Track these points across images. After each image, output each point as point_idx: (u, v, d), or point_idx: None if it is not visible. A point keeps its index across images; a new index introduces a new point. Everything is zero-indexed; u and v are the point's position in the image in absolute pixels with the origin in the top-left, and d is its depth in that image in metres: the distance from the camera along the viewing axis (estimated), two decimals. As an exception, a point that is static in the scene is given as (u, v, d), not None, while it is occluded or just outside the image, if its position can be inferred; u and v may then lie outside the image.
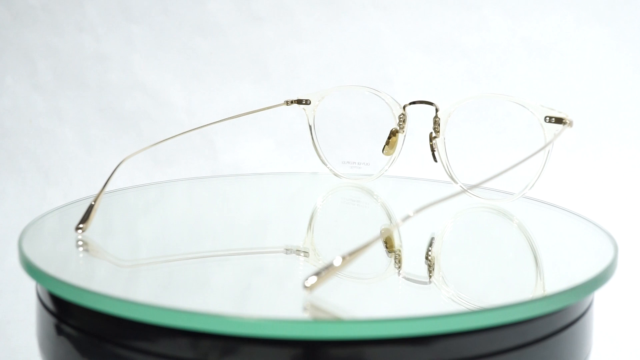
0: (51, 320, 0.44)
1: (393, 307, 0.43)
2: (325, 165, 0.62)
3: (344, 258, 0.41)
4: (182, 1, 1.01)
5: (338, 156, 0.63)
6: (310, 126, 0.62)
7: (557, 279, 0.46)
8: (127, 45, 1.02)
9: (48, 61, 1.04)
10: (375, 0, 0.96)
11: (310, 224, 0.57)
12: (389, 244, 0.51)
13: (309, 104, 0.62)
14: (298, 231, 0.55)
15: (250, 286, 0.45)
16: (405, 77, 0.96)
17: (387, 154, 0.60)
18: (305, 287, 0.40)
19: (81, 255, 0.48)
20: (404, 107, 0.59)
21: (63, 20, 1.04)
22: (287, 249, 0.50)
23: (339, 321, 0.38)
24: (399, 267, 0.47)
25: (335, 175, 0.62)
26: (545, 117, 0.53)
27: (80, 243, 0.50)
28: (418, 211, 0.43)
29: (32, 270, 0.43)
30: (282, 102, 0.62)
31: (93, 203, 0.51)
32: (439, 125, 0.57)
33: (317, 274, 0.40)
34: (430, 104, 0.58)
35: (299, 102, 0.61)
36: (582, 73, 0.91)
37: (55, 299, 0.43)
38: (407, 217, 0.43)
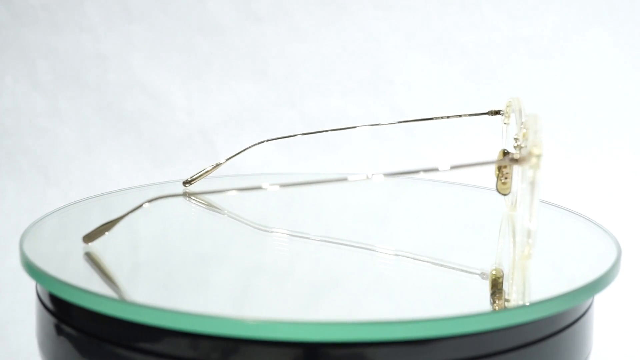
0: (51, 320, 0.44)
1: (394, 309, 0.43)
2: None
3: (109, 221, 0.47)
4: (182, 1, 1.01)
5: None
6: (502, 136, 0.57)
7: (558, 281, 0.46)
8: (127, 45, 1.02)
9: (48, 61, 1.04)
10: (375, 0, 0.96)
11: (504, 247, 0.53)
12: (494, 285, 0.47)
13: (502, 114, 0.58)
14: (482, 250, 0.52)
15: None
16: (405, 77, 0.96)
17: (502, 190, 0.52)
18: (83, 239, 0.46)
19: (83, 256, 0.48)
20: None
21: (63, 20, 1.04)
22: (483, 274, 0.47)
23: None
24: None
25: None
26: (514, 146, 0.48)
27: (187, 194, 0.59)
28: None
29: (32, 270, 0.43)
30: (487, 111, 0.57)
31: (210, 168, 0.58)
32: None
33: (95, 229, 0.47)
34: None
35: (497, 112, 0.58)
36: (582, 73, 0.91)
37: (55, 299, 0.43)
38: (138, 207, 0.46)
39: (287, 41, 0.99)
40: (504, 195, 0.52)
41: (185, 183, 0.60)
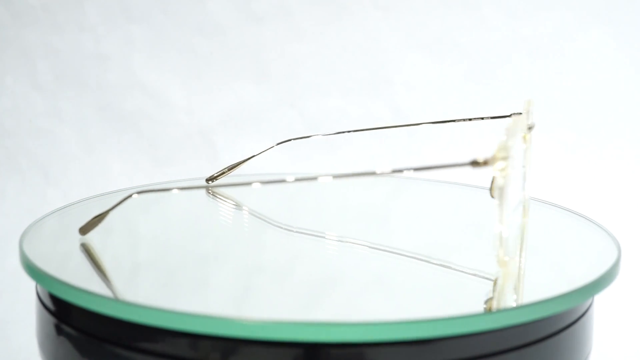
0: (51, 320, 0.44)
1: (394, 309, 0.43)
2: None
3: (102, 213, 0.49)
4: (182, 1, 1.01)
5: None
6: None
7: (558, 281, 0.46)
8: (127, 45, 1.02)
9: (48, 61, 1.04)
10: (375, 0, 0.96)
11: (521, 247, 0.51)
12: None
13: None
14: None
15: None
16: (405, 77, 0.96)
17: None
18: (79, 230, 0.48)
19: (81, 257, 0.48)
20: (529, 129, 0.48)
21: (63, 20, 1.04)
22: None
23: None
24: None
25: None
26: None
27: (210, 191, 0.60)
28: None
29: (32, 271, 0.43)
30: (510, 114, 0.55)
31: (234, 165, 0.60)
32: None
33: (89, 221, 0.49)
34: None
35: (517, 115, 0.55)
36: (582, 73, 0.91)
37: (55, 299, 0.43)
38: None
39: (287, 41, 0.99)
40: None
41: (209, 180, 0.61)
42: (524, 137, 0.47)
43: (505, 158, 0.40)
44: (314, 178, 0.45)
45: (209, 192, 0.60)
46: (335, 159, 0.98)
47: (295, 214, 0.59)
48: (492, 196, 0.49)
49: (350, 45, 0.98)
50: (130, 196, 0.49)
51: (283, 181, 0.45)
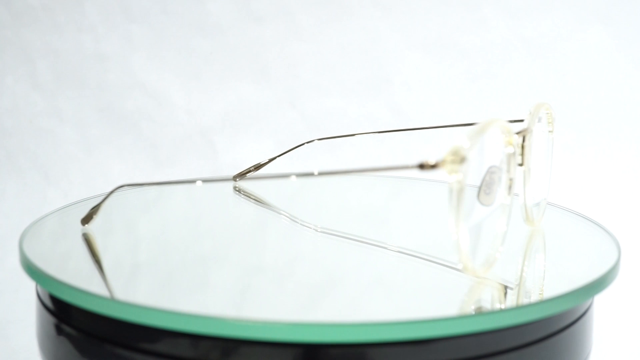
0: (51, 320, 0.44)
1: (394, 309, 0.43)
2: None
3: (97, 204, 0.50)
4: (182, 1, 1.01)
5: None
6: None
7: (558, 281, 0.46)
8: (127, 45, 1.02)
9: (48, 61, 1.04)
10: (375, 0, 0.96)
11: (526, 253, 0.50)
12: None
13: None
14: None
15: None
16: (405, 77, 0.96)
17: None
18: (81, 221, 0.50)
19: (83, 255, 0.48)
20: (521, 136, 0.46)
21: (63, 20, 1.04)
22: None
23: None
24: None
25: None
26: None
27: (236, 188, 0.61)
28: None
29: (32, 271, 0.43)
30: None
31: (264, 162, 0.60)
32: (523, 151, 0.45)
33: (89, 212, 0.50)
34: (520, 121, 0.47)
35: (518, 121, 0.54)
36: (582, 73, 0.91)
37: (55, 299, 0.43)
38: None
39: (287, 41, 0.99)
40: (486, 206, 0.48)
41: (236, 177, 0.61)
42: (509, 142, 0.45)
43: (456, 162, 0.38)
44: (344, 172, 0.44)
45: (236, 189, 0.61)
46: (335, 159, 0.98)
47: (295, 214, 0.59)
48: (483, 204, 0.47)
49: (350, 45, 0.98)
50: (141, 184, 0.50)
51: (317, 174, 0.45)
